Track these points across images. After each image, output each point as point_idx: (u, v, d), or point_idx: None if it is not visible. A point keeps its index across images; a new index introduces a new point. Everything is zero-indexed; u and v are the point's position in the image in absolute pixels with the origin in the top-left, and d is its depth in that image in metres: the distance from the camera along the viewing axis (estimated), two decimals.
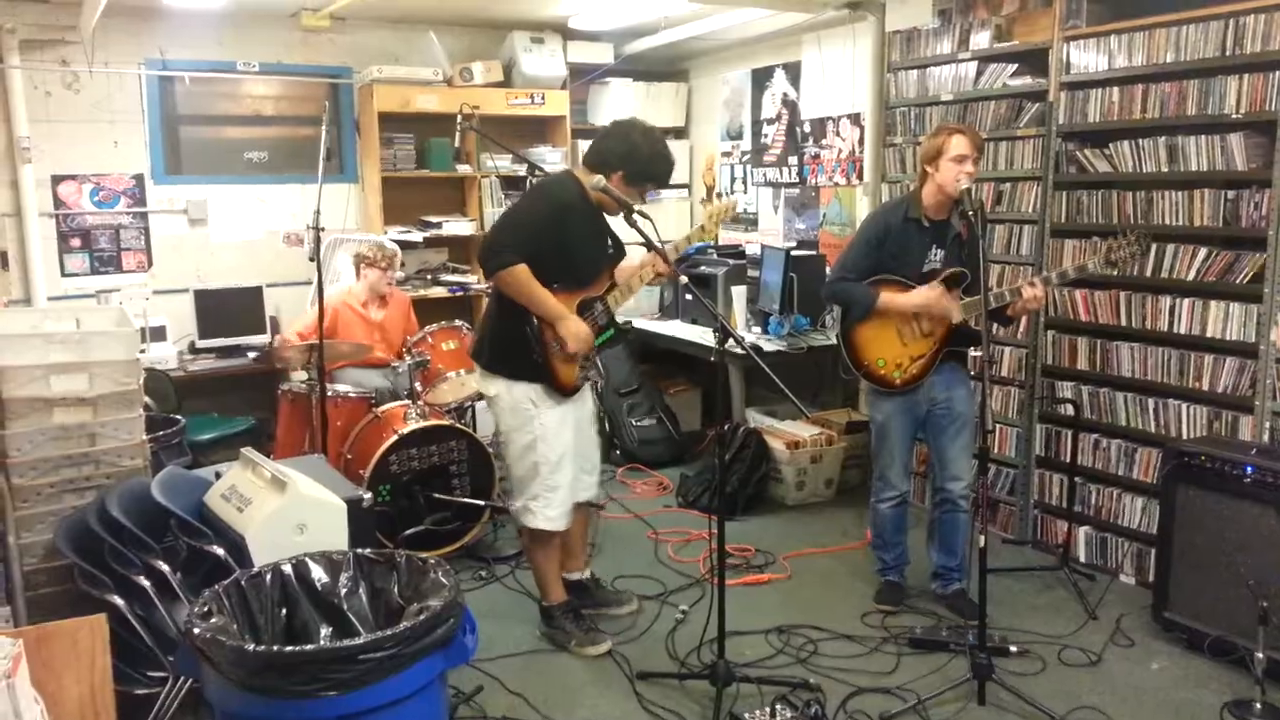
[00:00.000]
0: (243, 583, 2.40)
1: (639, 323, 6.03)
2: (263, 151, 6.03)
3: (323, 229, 4.13)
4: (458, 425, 4.36)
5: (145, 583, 2.67)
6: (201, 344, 5.46)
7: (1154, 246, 3.83)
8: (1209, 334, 3.70)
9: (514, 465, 3.47)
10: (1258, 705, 2.95)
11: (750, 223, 6.52)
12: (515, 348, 3.32)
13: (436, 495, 4.20)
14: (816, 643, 3.50)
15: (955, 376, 3.70)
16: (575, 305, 3.34)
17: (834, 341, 3.81)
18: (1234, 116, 3.58)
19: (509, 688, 3.21)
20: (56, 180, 5.43)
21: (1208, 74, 3.66)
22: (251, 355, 5.33)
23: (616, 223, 3.34)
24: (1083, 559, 4.14)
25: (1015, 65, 4.39)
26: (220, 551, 2.71)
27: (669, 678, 3.26)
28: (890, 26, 4.92)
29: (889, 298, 3.57)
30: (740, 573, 4.12)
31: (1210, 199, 3.69)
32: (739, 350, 3.19)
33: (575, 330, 3.28)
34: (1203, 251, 3.71)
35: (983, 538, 3.09)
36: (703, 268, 5.78)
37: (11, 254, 5.30)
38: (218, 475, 3.06)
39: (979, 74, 4.54)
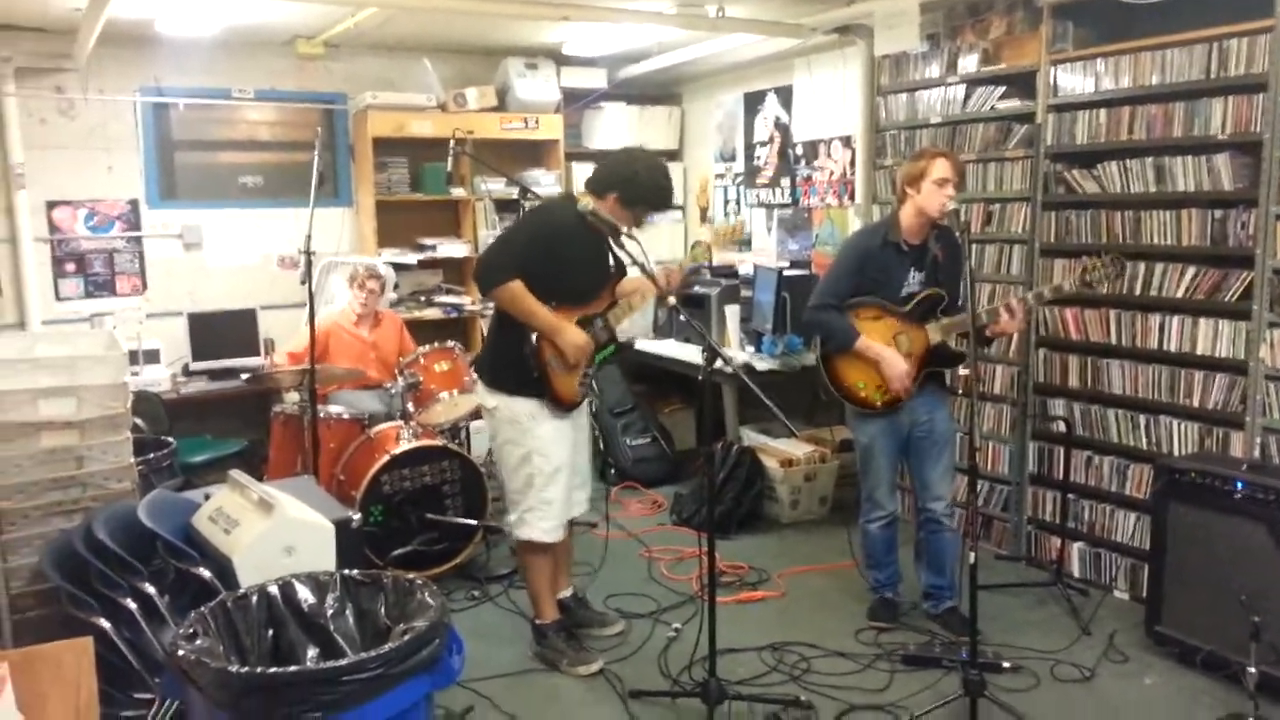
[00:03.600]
0: (229, 604, 2.39)
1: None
2: (258, 176, 6.06)
3: (314, 253, 4.15)
4: (450, 446, 4.35)
5: (131, 605, 2.66)
6: (195, 366, 5.46)
7: (1143, 265, 3.86)
8: (1199, 351, 3.71)
9: (509, 478, 3.49)
10: None
11: (744, 243, 6.55)
12: (516, 364, 3.36)
13: (429, 515, 4.19)
14: (809, 660, 3.48)
15: (936, 398, 3.71)
16: (574, 322, 3.38)
17: (816, 359, 3.81)
18: (1220, 137, 3.61)
19: (500, 707, 3.19)
20: (51, 205, 5.45)
21: (1193, 96, 3.69)
22: (244, 377, 5.33)
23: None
24: (1076, 574, 4.13)
25: (1003, 88, 4.43)
26: (207, 574, 2.70)
27: (661, 696, 3.24)
28: (879, 51, 4.96)
29: (865, 344, 3.58)
30: (734, 590, 4.11)
31: (1198, 218, 3.71)
32: (728, 370, 3.20)
33: (573, 340, 3.32)
34: (1191, 270, 3.73)
35: (973, 554, 3.08)
36: (696, 288, 5.80)
37: (5, 279, 5.32)
38: (206, 497, 3.06)
39: (967, 97, 4.58)
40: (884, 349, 3.58)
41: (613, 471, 5.71)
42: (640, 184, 3.36)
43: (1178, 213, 3.77)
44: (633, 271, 3.54)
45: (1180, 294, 3.76)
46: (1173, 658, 3.42)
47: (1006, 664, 3.36)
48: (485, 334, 3.66)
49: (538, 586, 3.55)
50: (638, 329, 6.17)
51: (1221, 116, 3.60)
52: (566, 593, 3.76)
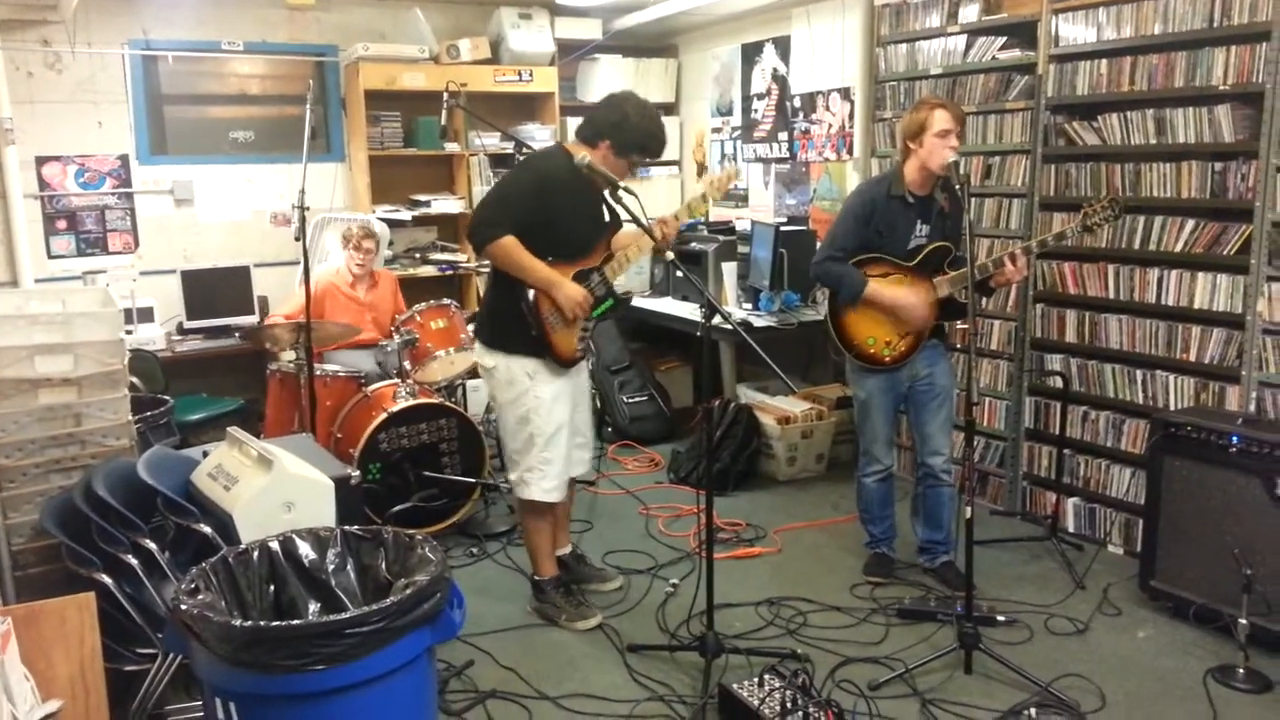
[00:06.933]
0: (230, 560, 2.40)
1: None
2: (249, 131, 6.00)
3: (308, 209, 4.11)
4: (447, 404, 4.36)
5: (133, 561, 2.67)
6: (189, 325, 5.44)
7: (1142, 219, 3.84)
8: (1196, 305, 3.71)
9: (509, 438, 3.49)
10: (1240, 671, 2.99)
11: (741, 199, 6.51)
12: (513, 323, 3.34)
13: (427, 473, 4.20)
14: (806, 614, 3.52)
15: (937, 352, 3.71)
16: (571, 276, 3.34)
17: (824, 317, 3.81)
18: (1221, 88, 3.58)
19: (500, 662, 3.22)
20: (41, 161, 5.39)
21: (1195, 45, 3.65)
22: (238, 334, 5.30)
23: None
24: (1071, 529, 4.16)
25: (1004, 38, 4.38)
26: (207, 530, 2.71)
27: (659, 650, 3.28)
28: (879, 0, 4.90)
29: (876, 289, 3.57)
30: (731, 546, 4.14)
31: (1198, 171, 3.69)
32: (727, 326, 3.19)
33: (570, 295, 3.29)
34: (1190, 223, 3.71)
35: (969, 509, 3.10)
36: (693, 244, 5.77)
37: None
38: (205, 454, 3.06)
39: (968, 47, 4.52)
40: (895, 291, 3.56)
41: (609, 429, 5.73)
42: (631, 128, 3.28)
43: (1178, 165, 3.74)
44: (628, 226, 3.50)
45: (1179, 247, 3.75)
46: (1166, 611, 3.46)
47: (1001, 617, 3.39)
48: (482, 292, 3.62)
49: (537, 544, 3.57)
50: (635, 285, 6.15)
51: (1223, 67, 3.56)
52: (565, 550, 3.78)
